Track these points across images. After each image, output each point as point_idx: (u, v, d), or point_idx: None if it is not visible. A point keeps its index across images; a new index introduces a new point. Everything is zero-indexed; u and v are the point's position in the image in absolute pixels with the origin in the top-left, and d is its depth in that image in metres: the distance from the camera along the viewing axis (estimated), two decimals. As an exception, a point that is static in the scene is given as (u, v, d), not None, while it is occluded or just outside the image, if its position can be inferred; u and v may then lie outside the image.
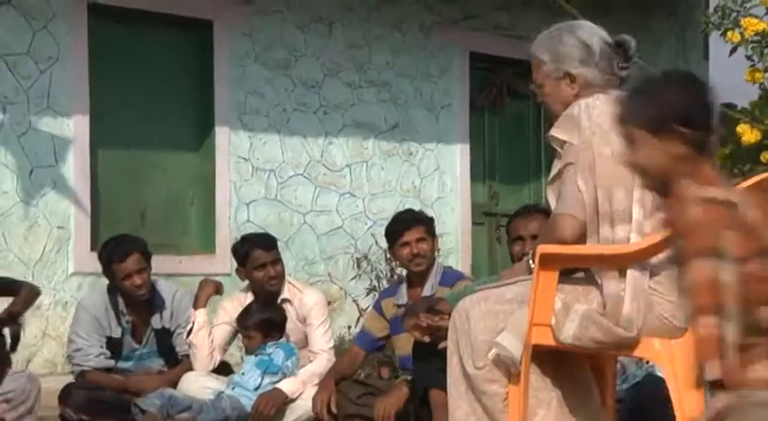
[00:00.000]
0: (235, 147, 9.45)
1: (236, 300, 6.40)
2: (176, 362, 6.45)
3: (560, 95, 3.72)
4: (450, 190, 10.62)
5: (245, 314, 6.16)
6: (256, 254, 6.29)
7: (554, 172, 3.64)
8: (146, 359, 6.45)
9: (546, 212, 5.22)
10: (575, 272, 3.62)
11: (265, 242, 6.39)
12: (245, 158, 9.50)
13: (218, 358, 6.32)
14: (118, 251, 6.26)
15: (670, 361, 3.39)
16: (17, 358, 8.15)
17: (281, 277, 6.35)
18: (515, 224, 5.48)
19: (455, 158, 10.65)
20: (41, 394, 5.76)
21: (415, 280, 5.97)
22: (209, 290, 6.36)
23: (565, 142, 3.56)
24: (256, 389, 5.98)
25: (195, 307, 6.30)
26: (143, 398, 6.00)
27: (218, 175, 9.36)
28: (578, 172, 3.49)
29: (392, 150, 10.30)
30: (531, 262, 3.62)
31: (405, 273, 6.18)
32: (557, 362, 3.62)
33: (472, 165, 10.77)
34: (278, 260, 6.35)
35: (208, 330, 6.27)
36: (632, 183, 3.44)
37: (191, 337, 6.22)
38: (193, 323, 6.24)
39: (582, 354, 3.65)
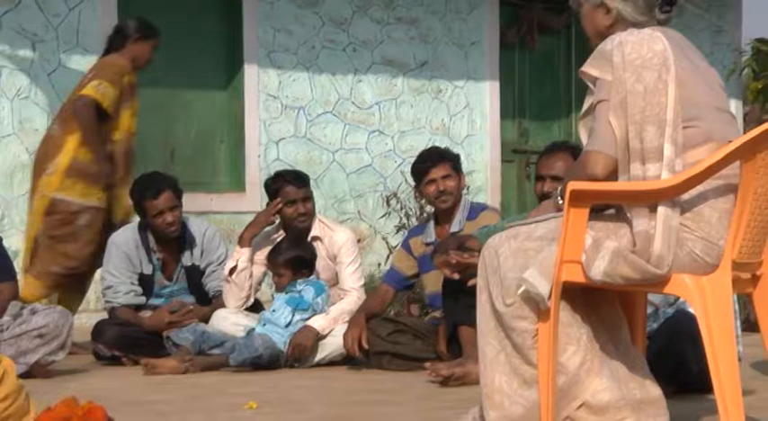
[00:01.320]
0: (263, 85, 9.44)
1: (268, 238, 6.43)
2: (206, 299, 6.50)
3: (594, 23, 3.70)
4: (479, 127, 10.58)
5: (276, 252, 6.19)
6: (288, 190, 6.31)
7: (585, 108, 3.62)
8: (176, 296, 6.51)
9: (573, 150, 5.20)
10: (605, 209, 3.60)
11: (297, 179, 6.41)
12: (273, 96, 9.49)
13: (252, 298, 6.37)
14: (150, 188, 6.30)
15: (701, 297, 3.38)
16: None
17: (311, 214, 6.37)
18: (539, 162, 5.47)
19: (484, 96, 10.60)
20: (73, 329, 5.81)
21: (443, 217, 5.99)
22: (257, 228, 6.36)
23: (597, 78, 3.53)
24: (287, 326, 6.02)
25: (240, 245, 6.32)
26: (176, 333, 6.06)
27: (247, 114, 9.37)
28: (610, 108, 3.47)
29: (421, 88, 10.26)
30: (559, 199, 3.61)
31: (433, 210, 6.20)
32: (586, 298, 3.62)
33: (502, 103, 10.73)
34: (309, 197, 6.37)
35: (249, 271, 6.29)
36: (664, 120, 3.41)
37: (233, 276, 6.25)
38: (237, 262, 6.26)
39: (612, 292, 3.64)
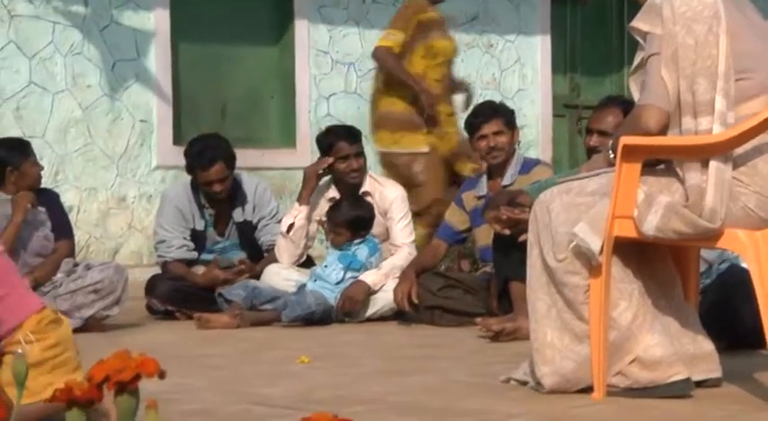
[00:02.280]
0: (314, 41, 9.42)
1: (320, 193, 6.44)
2: (258, 254, 6.54)
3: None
4: (530, 82, 10.52)
5: (335, 210, 6.18)
6: (340, 145, 6.31)
7: (636, 63, 3.59)
8: (228, 251, 6.54)
9: (625, 105, 5.16)
10: (658, 163, 3.58)
11: (349, 134, 6.41)
12: (324, 52, 9.48)
13: (305, 254, 6.40)
14: (202, 158, 6.28)
15: (755, 252, 3.36)
16: (104, 249, 8.35)
17: (362, 170, 6.38)
18: (590, 117, 5.45)
19: (536, 50, 10.52)
20: (128, 285, 5.87)
21: (495, 171, 5.99)
22: (313, 183, 6.36)
23: (647, 33, 3.49)
24: (338, 283, 6.04)
25: (300, 203, 6.34)
26: (228, 289, 6.10)
27: (298, 69, 9.36)
28: (661, 62, 3.44)
29: (472, 42, 10.19)
30: (611, 154, 3.59)
31: (484, 165, 6.18)
32: (639, 254, 3.61)
33: (553, 57, 10.64)
34: (361, 153, 6.37)
35: (306, 228, 6.31)
36: (715, 73, 3.38)
37: (291, 233, 6.27)
38: (295, 219, 6.27)
39: (664, 247, 3.63)
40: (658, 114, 3.44)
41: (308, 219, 6.33)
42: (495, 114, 5.98)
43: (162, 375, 1.22)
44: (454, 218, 6.12)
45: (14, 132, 7.85)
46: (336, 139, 6.34)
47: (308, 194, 6.34)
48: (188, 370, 4.20)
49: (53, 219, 5.95)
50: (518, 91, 10.42)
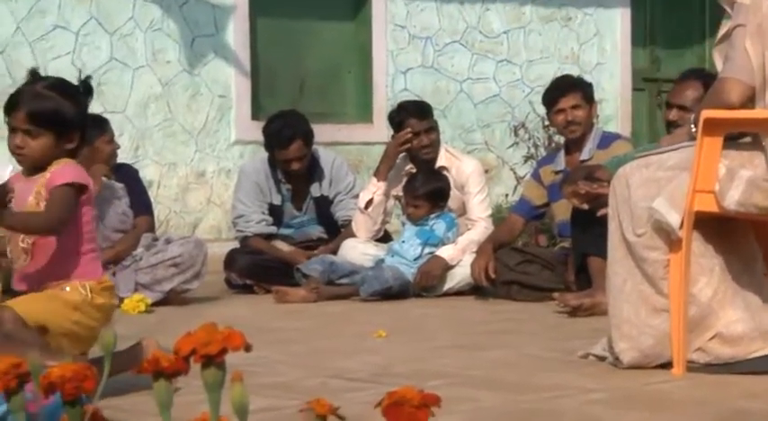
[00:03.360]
0: (391, 15, 9.41)
1: (397, 169, 6.43)
2: (335, 229, 6.56)
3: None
4: (609, 55, 10.41)
5: (413, 183, 6.18)
6: (410, 122, 6.30)
7: (722, 33, 3.52)
8: (306, 226, 6.58)
9: (705, 79, 5.09)
10: (740, 137, 3.52)
11: (419, 110, 6.38)
12: (401, 26, 9.46)
13: (382, 229, 6.41)
14: (281, 137, 6.30)
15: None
16: (183, 223, 8.43)
17: (434, 145, 6.35)
18: (670, 91, 5.39)
19: (615, 23, 10.40)
20: (207, 259, 5.93)
21: (573, 146, 5.94)
22: (392, 160, 6.37)
23: (734, 2, 3.43)
24: (416, 259, 6.05)
25: (377, 178, 6.35)
26: (305, 263, 6.14)
27: (375, 44, 9.35)
28: (746, 34, 3.38)
29: (550, 15, 10.11)
30: (692, 128, 3.54)
31: (562, 139, 6.14)
32: (719, 229, 3.56)
33: (633, 30, 10.51)
34: (432, 128, 6.35)
35: (384, 204, 6.32)
36: (802, 45, 3.32)
37: (369, 209, 6.29)
38: (373, 195, 6.29)
39: (746, 222, 3.58)
40: (740, 87, 3.39)
41: (387, 194, 6.34)
42: (573, 88, 5.93)
43: (248, 348, 1.23)
44: (532, 192, 6.09)
45: (95, 108, 7.92)
46: (406, 116, 6.33)
47: (386, 170, 6.35)
48: (266, 343, 4.24)
49: (132, 194, 6.03)
50: (597, 65, 10.32)
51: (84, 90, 3.37)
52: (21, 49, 7.92)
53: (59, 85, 3.34)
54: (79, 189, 3.26)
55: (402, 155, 6.42)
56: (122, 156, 7.61)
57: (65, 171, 3.22)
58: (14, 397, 1.32)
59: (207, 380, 1.21)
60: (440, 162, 6.35)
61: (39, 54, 7.98)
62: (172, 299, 5.80)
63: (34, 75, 3.40)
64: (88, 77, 3.38)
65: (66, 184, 3.21)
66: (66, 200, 3.20)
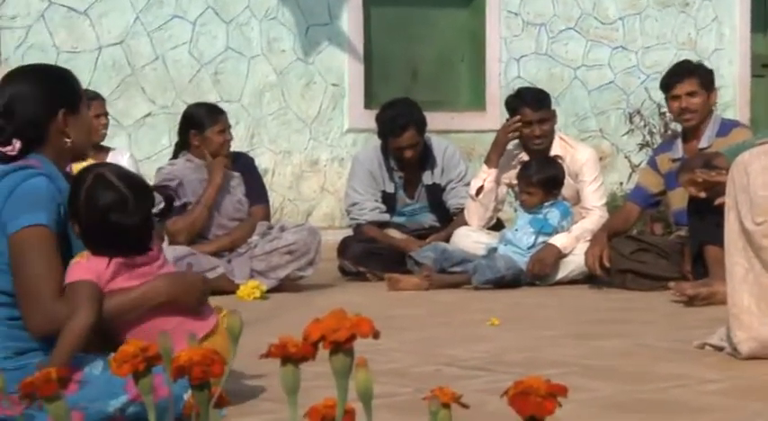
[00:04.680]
0: (505, 2, 9.37)
1: (510, 156, 6.41)
2: (447, 217, 6.57)
3: None
4: (728, 41, 10.22)
5: (527, 170, 6.14)
6: (524, 110, 6.26)
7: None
8: (418, 214, 6.59)
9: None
10: None
11: (535, 99, 6.31)
12: (515, 13, 9.42)
13: (495, 217, 6.40)
14: (394, 125, 6.31)
15: None
16: (297, 211, 8.53)
17: (546, 137, 6.27)
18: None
19: (734, 7, 10.21)
20: (321, 246, 5.98)
21: (691, 133, 5.85)
22: (502, 146, 6.35)
23: None
24: (530, 248, 6.02)
25: (488, 165, 6.34)
26: (418, 251, 6.16)
27: (489, 31, 9.32)
28: None
29: (667, 1, 9.97)
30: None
31: (680, 127, 6.06)
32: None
33: (752, 14, 10.30)
34: (546, 119, 6.27)
35: (496, 192, 6.31)
36: None
37: (480, 196, 6.28)
38: (484, 182, 6.28)
39: None
40: None
41: (497, 181, 6.32)
42: (690, 74, 5.83)
43: (376, 335, 1.24)
44: (648, 180, 6.01)
45: (212, 97, 8.07)
46: (521, 104, 6.28)
47: (496, 157, 6.33)
48: (380, 330, 4.26)
49: (248, 183, 6.11)
50: (714, 51, 10.14)
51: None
52: (139, 39, 8.07)
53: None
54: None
55: (515, 142, 6.39)
56: (238, 145, 7.72)
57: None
58: (143, 380, 1.36)
59: (335, 366, 1.22)
60: (554, 150, 6.30)
61: (157, 44, 8.12)
62: (286, 285, 5.88)
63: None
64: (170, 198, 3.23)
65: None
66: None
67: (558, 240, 6.00)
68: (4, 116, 2.92)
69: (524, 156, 6.33)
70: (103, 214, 2.80)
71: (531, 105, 6.25)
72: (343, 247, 6.44)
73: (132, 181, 2.89)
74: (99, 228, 2.80)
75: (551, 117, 6.32)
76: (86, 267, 2.79)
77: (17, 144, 2.93)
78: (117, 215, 2.81)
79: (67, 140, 2.94)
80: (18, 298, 2.77)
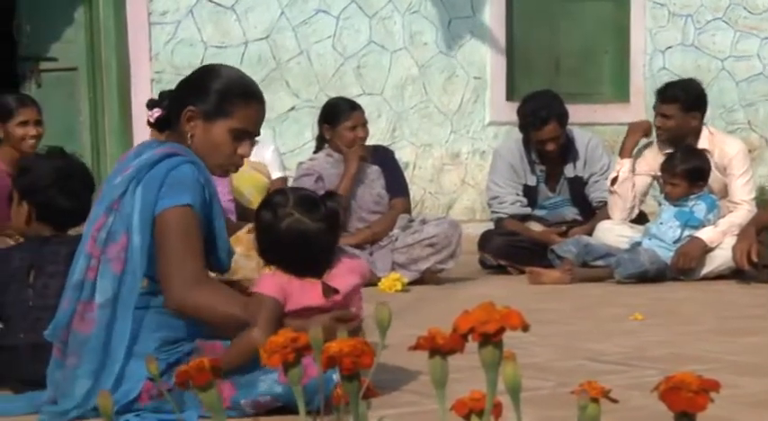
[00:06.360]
0: (650, -7, 9.23)
1: (656, 148, 6.32)
2: (590, 210, 6.51)
3: None
4: None
5: (671, 161, 6.05)
6: (657, 102, 6.19)
7: None
8: (560, 207, 6.55)
9: None
10: None
11: (664, 93, 6.21)
12: (660, 4, 9.27)
13: (637, 209, 6.32)
14: (535, 118, 6.27)
15: None
16: (438, 204, 8.55)
17: (669, 129, 6.19)
18: None
19: None
20: (462, 239, 5.99)
21: None
22: (637, 137, 6.29)
23: None
24: (675, 242, 5.92)
25: (621, 155, 6.28)
26: (560, 245, 6.12)
27: (633, 22, 9.20)
28: None
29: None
30: None
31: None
32: None
33: None
34: (668, 115, 6.17)
35: (632, 181, 6.24)
36: None
37: (615, 187, 6.23)
38: (618, 172, 6.23)
39: None
40: None
41: (632, 171, 6.24)
42: None
43: (526, 328, 1.25)
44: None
45: (355, 90, 8.14)
46: (658, 96, 6.23)
47: (629, 147, 6.27)
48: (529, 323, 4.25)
49: (387, 176, 6.14)
50: None
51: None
52: (284, 34, 8.19)
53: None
54: None
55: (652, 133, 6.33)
56: (379, 138, 7.79)
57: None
58: (292, 370, 1.39)
59: (484, 358, 1.23)
60: (701, 144, 6.19)
61: (301, 38, 8.22)
62: (427, 278, 5.90)
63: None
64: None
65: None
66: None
67: (705, 234, 5.90)
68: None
69: (670, 149, 6.23)
70: (302, 240, 2.88)
71: (663, 99, 6.17)
72: (484, 240, 6.44)
73: (325, 211, 2.95)
74: (293, 253, 2.89)
75: (677, 114, 6.15)
76: (275, 283, 2.87)
77: (156, 113, 3.02)
78: (311, 242, 2.89)
79: (190, 136, 2.94)
80: (158, 277, 2.82)
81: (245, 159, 3.04)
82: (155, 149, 2.92)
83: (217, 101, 2.92)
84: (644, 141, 6.38)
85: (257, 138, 3.14)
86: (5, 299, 3.24)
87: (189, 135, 2.94)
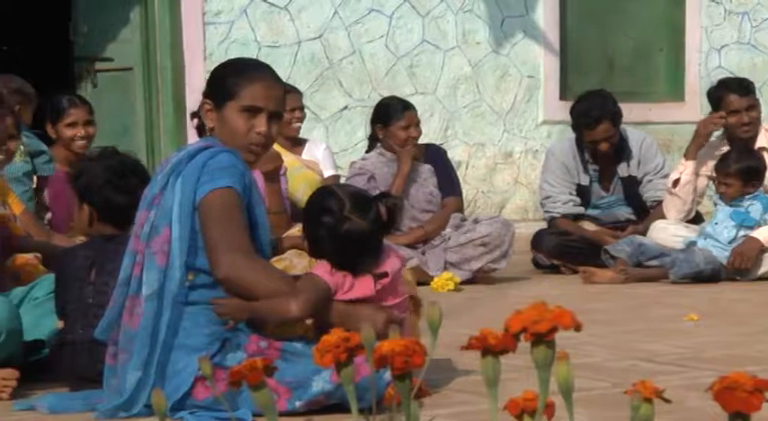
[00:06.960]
0: (706, -9, 9.16)
1: (711, 149, 6.26)
2: (644, 210, 6.46)
3: None
4: None
5: (725, 161, 5.99)
6: (730, 98, 6.11)
7: None
8: (613, 207, 6.51)
9: None
10: None
11: (740, 86, 6.18)
12: (716, 2, 9.19)
13: (694, 211, 6.27)
14: (588, 118, 6.23)
15: None
16: (491, 203, 8.53)
17: (755, 124, 6.15)
18: None
19: None
20: (514, 239, 5.97)
21: None
22: (702, 139, 6.22)
23: None
24: (730, 242, 5.87)
25: (686, 158, 6.23)
26: (613, 245, 6.08)
27: (689, 21, 9.13)
28: None
29: None
30: None
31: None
32: None
33: None
34: (753, 106, 6.14)
35: (694, 184, 6.19)
36: None
37: (677, 189, 6.17)
38: (681, 174, 6.17)
39: None
40: None
41: (696, 174, 6.19)
42: None
43: (578, 328, 1.24)
44: None
45: (407, 89, 8.15)
46: (726, 92, 6.15)
47: (695, 149, 6.20)
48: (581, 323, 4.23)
49: (440, 175, 6.14)
50: None
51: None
52: (337, 33, 8.21)
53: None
54: None
55: (718, 134, 6.25)
56: (432, 137, 7.78)
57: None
58: (344, 369, 1.39)
59: (536, 358, 1.22)
60: (759, 142, 6.13)
61: (354, 38, 8.24)
62: (479, 277, 5.89)
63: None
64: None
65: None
66: None
67: (761, 234, 5.83)
68: None
69: (726, 148, 6.17)
70: (360, 243, 2.93)
71: (737, 91, 6.12)
72: (537, 240, 6.41)
73: (377, 209, 2.99)
74: (352, 254, 2.92)
75: (758, 104, 6.18)
76: (331, 273, 2.91)
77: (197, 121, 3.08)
78: (368, 242, 2.94)
79: (210, 129, 2.97)
80: (207, 253, 2.82)
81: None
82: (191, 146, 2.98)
83: (220, 86, 2.97)
84: (712, 141, 6.31)
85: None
86: (67, 296, 3.28)
87: (208, 128, 2.97)
